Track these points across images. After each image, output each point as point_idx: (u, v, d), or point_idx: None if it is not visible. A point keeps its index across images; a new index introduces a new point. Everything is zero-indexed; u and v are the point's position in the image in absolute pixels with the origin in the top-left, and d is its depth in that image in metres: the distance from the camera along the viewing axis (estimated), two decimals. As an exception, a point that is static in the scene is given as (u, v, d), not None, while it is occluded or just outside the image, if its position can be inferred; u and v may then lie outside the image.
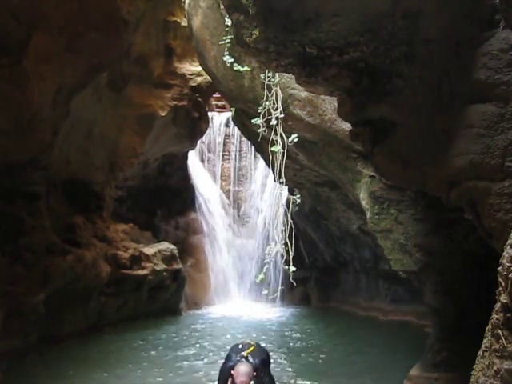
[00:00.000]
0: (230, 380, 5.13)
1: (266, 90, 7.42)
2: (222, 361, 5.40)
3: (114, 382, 8.81)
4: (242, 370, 5.05)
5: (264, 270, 6.81)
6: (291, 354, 10.77)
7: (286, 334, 13.06)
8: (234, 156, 20.12)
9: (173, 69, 15.50)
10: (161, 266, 14.51)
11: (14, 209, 10.78)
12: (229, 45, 8.07)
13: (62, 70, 10.44)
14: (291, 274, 6.57)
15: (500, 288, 2.85)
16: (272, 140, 7.23)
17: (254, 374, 5.09)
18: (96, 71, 11.66)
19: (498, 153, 4.41)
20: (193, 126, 16.56)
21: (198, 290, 17.37)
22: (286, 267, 6.64)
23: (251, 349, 5.35)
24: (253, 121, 7.59)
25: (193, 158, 19.45)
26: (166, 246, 15.25)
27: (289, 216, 7.05)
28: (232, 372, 5.09)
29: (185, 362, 10.08)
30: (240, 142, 19.78)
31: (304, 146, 9.03)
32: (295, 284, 7.61)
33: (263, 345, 11.15)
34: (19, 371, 8.90)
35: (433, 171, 5.01)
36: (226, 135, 20.18)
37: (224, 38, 8.18)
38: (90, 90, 12.34)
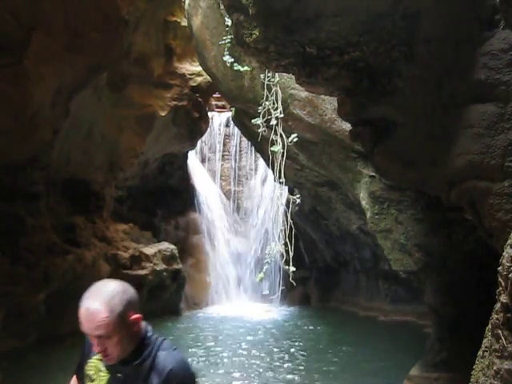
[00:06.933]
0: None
1: (265, 90, 7.43)
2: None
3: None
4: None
5: (264, 270, 6.83)
6: (290, 354, 10.76)
7: (286, 334, 13.04)
8: (233, 156, 20.10)
9: (173, 69, 15.50)
10: (161, 266, 14.49)
11: (14, 209, 10.78)
12: (229, 45, 8.07)
13: (62, 70, 10.44)
14: (291, 275, 6.59)
15: (500, 288, 2.85)
16: (272, 140, 7.24)
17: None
18: (96, 71, 11.66)
19: (498, 153, 4.41)
20: (193, 126, 16.55)
21: (198, 290, 17.34)
22: (286, 267, 6.66)
23: None
24: (253, 121, 7.60)
25: (193, 158, 19.42)
26: (166, 246, 15.24)
27: (289, 216, 7.06)
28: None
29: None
30: (240, 141, 19.75)
31: (304, 146, 9.03)
32: (295, 284, 7.62)
33: (263, 345, 11.19)
34: (19, 371, 8.88)
35: (433, 171, 5.01)
36: (226, 135, 20.15)
37: (224, 37, 8.18)
38: (89, 89, 12.33)
